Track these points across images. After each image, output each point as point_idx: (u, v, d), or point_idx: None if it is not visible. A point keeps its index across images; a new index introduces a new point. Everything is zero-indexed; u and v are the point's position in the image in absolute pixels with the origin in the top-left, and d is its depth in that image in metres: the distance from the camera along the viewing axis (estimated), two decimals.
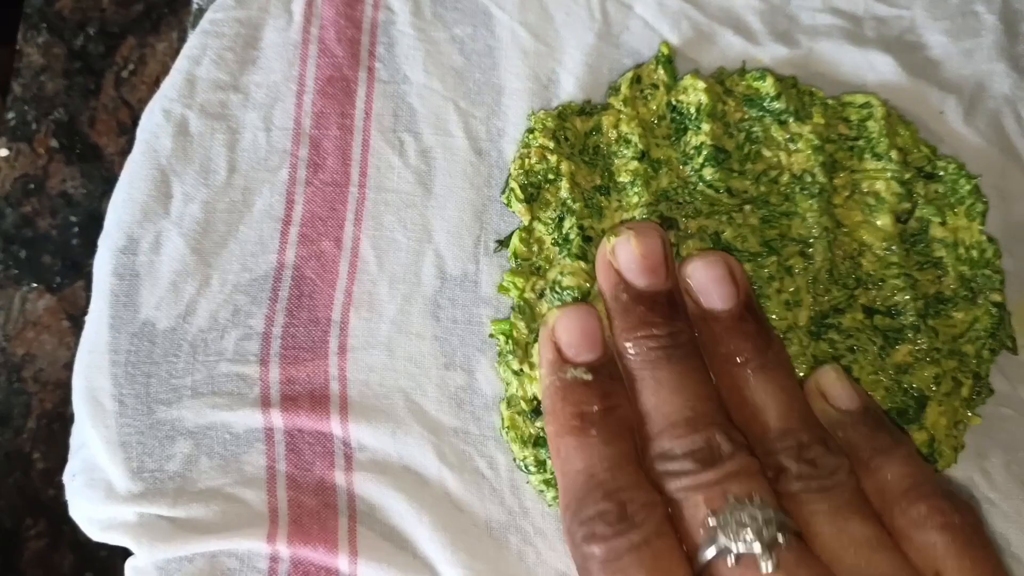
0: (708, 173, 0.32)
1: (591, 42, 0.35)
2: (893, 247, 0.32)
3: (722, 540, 0.24)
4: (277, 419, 0.30)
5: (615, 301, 0.28)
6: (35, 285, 0.35)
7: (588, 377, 0.27)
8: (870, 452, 0.27)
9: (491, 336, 0.31)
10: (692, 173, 0.32)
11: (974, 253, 0.32)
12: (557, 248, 0.31)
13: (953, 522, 0.26)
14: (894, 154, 0.33)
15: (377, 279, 0.32)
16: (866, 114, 0.34)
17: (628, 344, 0.27)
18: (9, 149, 0.36)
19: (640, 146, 0.32)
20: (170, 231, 0.32)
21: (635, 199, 0.32)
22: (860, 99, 0.34)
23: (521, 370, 0.30)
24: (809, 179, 0.32)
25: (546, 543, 0.29)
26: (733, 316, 0.28)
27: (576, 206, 0.31)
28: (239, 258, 0.32)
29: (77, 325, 0.34)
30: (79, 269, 0.35)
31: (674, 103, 0.34)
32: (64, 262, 0.35)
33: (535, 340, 0.30)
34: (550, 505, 0.30)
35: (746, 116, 0.34)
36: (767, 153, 0.33)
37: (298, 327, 0.31)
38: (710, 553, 0.24)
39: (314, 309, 0.31)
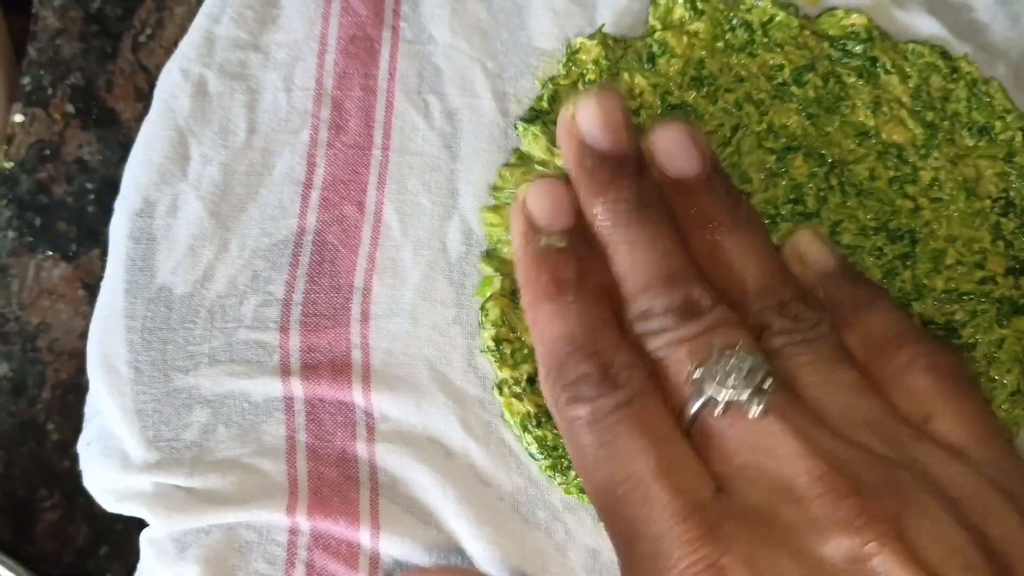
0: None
1: (624, 3, 0.33)
2: (986, 254, 0.29)
3: (708, 390, 0.24)
4: (297, 388, 0.29)
5: (580, 167, 0.27)
6: (50, 253, 0.34)
7: (562, 244, 0.27)
8: (852, 307, 0.27)
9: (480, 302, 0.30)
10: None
11: None
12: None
13: (940, 363, 0.26)
14: (998, 124, 0.30)
15: (401, 245, 0.31)
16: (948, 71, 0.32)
17: (597, 209, 0.27)
18: (24, 114, 0.36)
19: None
20: (187, 194, 0.31)
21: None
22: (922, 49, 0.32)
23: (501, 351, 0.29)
24: (903, 156, 0.30)
25: (575, 518, 0.28)
26: (701, 180, 0.28)
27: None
28: (258, 222, 0.31)
29: (93, 294, 0.33)
30: (95, 237, 0.34)
31: (736, 18, 0.32)
32: (80, 230, 0.34)
33: (511, 294, 0.29)
34: (563, 488, 0.29)
35: (823, 52, 0.31)
36: (849, 108, 0.31)
37: (319, 293, 0.30)
38: (697, 404, 0.24)
39: (336, 275, 0.30)
